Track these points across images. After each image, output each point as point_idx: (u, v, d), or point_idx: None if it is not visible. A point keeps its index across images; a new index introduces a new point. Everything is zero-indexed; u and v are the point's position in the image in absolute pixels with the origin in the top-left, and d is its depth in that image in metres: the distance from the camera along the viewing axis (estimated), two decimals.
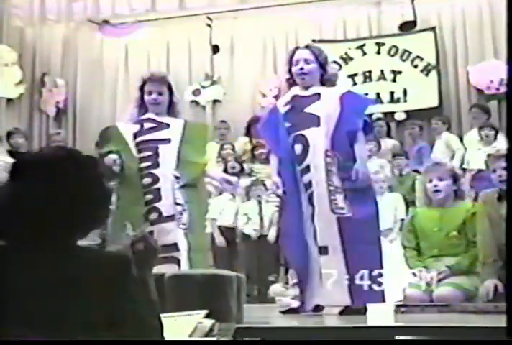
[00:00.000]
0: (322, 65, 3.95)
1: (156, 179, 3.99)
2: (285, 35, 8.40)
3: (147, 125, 4.14)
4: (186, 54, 8.68)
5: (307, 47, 4.06)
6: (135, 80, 8.58)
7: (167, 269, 3.74)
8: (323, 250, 3.70)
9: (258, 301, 5.61)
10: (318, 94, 3.89)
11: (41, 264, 1.41)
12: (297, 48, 4.05)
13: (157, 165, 4.01)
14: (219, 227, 6.38)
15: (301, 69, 3.90)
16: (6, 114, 8.09)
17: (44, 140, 8.51)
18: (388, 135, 7.49)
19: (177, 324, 2.35)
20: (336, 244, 3.67)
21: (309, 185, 3.76)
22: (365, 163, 3.84)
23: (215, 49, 8.36)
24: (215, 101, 8.56)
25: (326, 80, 3.97)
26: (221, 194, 6.57)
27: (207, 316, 2.44)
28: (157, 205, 3.95)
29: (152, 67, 8.72)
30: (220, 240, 6.34)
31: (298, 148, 3.80)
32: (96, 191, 1.49)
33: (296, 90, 3.98)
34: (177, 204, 3.97)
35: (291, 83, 4.04)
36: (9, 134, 7.09)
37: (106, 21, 8.63)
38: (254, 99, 8.35)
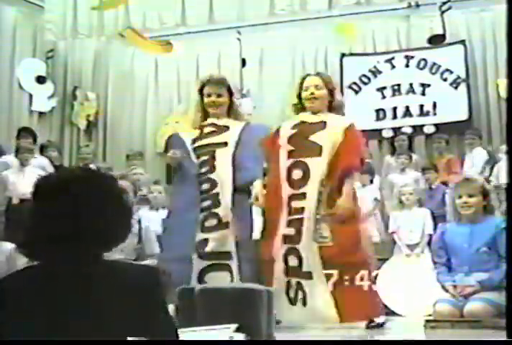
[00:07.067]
0: (331, 91, 4.07)
1: (214, 184, 4.00)
2: (314, 49, 8.43)
3: (206, 129, 4.16)
4: (215, 68, 8.72)
5: (317, 74, 4.22)
6: (165, 93, 8.83)
7: (219, 277, 3.80)
8: None
9: None
10: (324, 122, 3.98)
11: (68, 279, 1.45)
12: (307, 75, 4.18)
13: (213, 170, 4.02)
14: None
15: (312, 93, 4.02)
16: (38, 127, 8.18)
17: (75, 153, 8.60)
18: (410, 149, 7.44)
19: (208, 338, 2.37)
20: None
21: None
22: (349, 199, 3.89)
23: (242, 62, 8.41)
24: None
25: (334, 108, 4.08)
26: None
27: (237, 330, 2.45)
28: (215, 211, 3.97)
29: (181, 80, 8.82)
30: None
31: (297, 173, 3.90)
32: (115, 208, 1.53)
33: (304, 116, 4.08)
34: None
35: (299, 108, 4.14)
36: (43, 147, 7.17)
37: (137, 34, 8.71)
38: (284, 112, 8.36)
